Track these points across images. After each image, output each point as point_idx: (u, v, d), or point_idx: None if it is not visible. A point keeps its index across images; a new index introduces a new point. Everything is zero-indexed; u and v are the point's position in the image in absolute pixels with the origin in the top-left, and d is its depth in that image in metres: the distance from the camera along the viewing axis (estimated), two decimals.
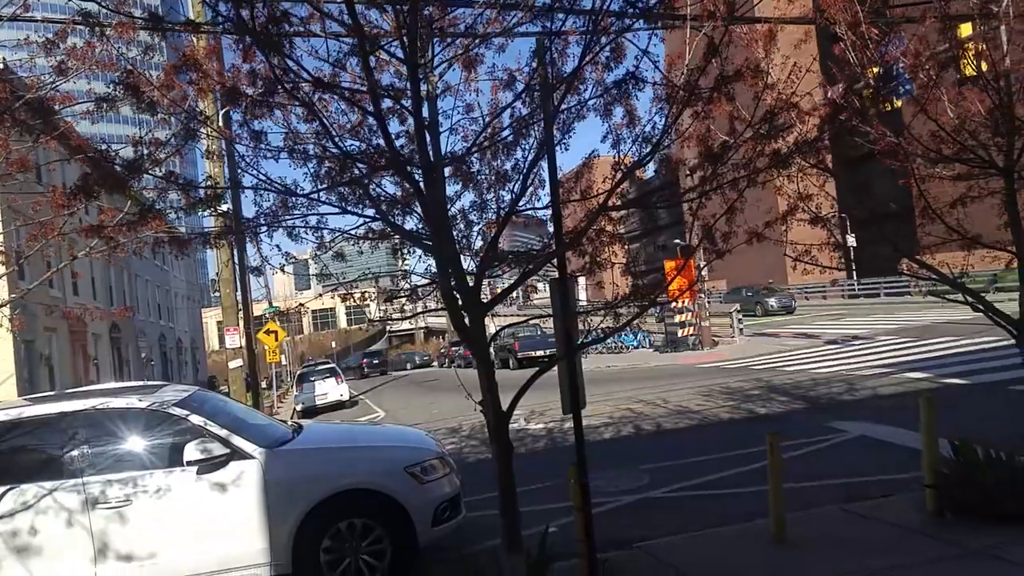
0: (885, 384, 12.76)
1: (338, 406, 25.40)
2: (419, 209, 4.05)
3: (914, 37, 5.63)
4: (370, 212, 4.48)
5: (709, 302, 37.97)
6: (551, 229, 4.87)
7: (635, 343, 29.34)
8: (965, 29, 5.96)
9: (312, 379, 26.60)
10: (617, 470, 8.60)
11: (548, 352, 28.61)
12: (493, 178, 4.73)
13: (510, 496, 4.44)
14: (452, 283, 4.26)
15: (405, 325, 69.31)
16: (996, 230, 5.83)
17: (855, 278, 42.00)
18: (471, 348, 4.36)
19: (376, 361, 52.12)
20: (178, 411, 5.65)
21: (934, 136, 5.91)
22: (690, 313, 24.97)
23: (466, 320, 4.20)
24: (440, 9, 4.10)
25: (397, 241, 4.62)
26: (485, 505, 6.64)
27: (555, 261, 4.86)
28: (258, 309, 28.49)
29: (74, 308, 21.34)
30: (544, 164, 4.50)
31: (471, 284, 4.39)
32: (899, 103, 6.41)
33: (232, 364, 17.81)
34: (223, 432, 5.60)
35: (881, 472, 7.25)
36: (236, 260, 17.09)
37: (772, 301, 37.30)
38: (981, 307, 5.71)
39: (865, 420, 9.79)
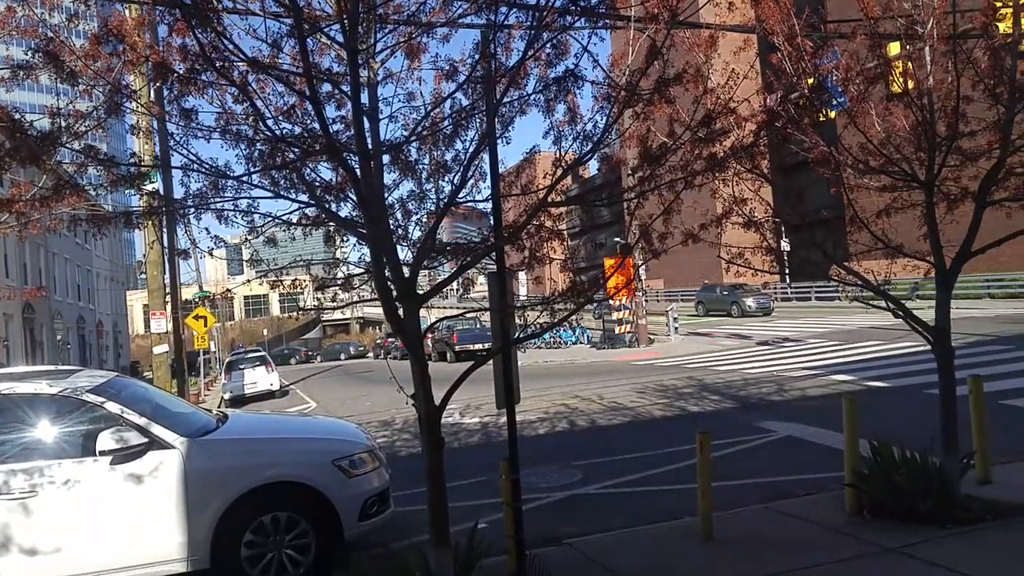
0: (813, 386, 13.20)
1: (268, 395, 24.83)
2: (354, 196, 3.95)
3: (845, 52, 5.81)
4: (304, 197, 4.35)
5: (659, 299, 37.47)
6: (492, 222, 4.84)
7: (573, 339, 29.61)
8: (893, 47, 6.19)
9: (242, 367, 25.90)
10: (550, 466, 8.65)
11: (487, 345, 28.63)
12: (433, 168, 4.66)
13: (439, 491, 4.39)
14: (386, 273, 4.17)
15: (339, 315, 68.30)
16: (917, 241, 6.06)
17: (787, 282, 43.07)
18: (404, 340, 4.28)
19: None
20: (92, 398, 5.40)
21: (862, 148, 6.11)
22: (627, 311, 25.34)
23: (400, 312, 4.12)
24: None
25: (331, 228, 4.50)
26: (415, 500, 6.59)
27: (494, 255, 4.83)
28: (188, 293, 27.61)
29: None
30: (485, 157, 4.46)
31: (407, 275, 4.32)
32: (832, 114, 6.60)
33: (157, 350, 17.20)
34: (141, 420, 5.37)
35: (806, 471, 7.48)
36: (165, 242, 16.49)
37: (750, 302, 34.67)
38: (901, 313, 5.93)
39: (793, 420, 10.10)
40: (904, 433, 6.10)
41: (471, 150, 4.45)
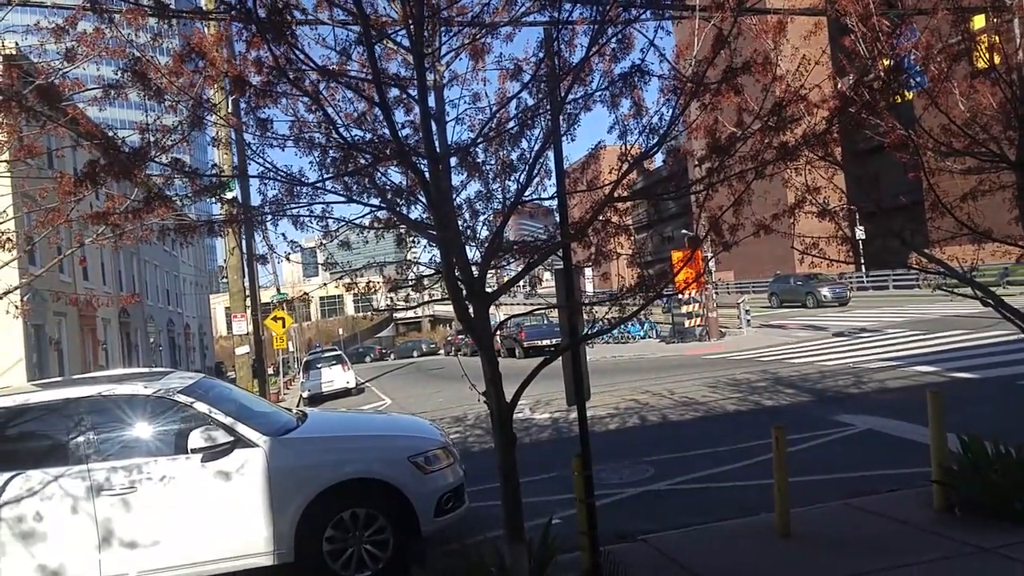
0: (893, 377, 12.74)
1: (344, 393, 25.43)
2: (424, 199, 4.02)
3: (926, 29, 5.56)
4: (375, 201, 4.47)
5: (730, 291, 36.30)
6: (557, 219, 4.86)
7: (641, 334, 29.28)
8: (978, 21, 5.89)
9: (319, 366, 26.62)
10: (621, 462, 8.61)
11: (554, 341, 28.63)
12: (499, 168, 4.71)
13: (513, 487, 4.43)
14: (456, 273, 4.25)
15: (411, 313, 69.51)
16: (1007, 224, 5.78)
17: (863, 271, 41.42)
18: (474, 338, 4.34)
19: None
20: (183, 398, 5.67)
21: (945, 130, 5.85)
22: (697, 304, 24.91)
23: (470, 310, 4.18)
24: None
25: (402, 230, 4.61)
26: (489, 495, 6.68)
27: (560, 251, 4.85)
28: (266, 296, 28.61)
29: (81, 294, 21.44)
30: (550, 154, 4.48)
31: (476, 274, 4.38)
32: (910, 95, 6.34)
33: (239, 350, 17.88)
34: (228, 420, 5.60)
35: (888, 466, 7.22)
36: (244, 247, 17.14)
37: (825, 291, 33.61)
38: (991, 302, 5.66)
39: (872, 414, 9.78)
40: (998, 427, 5.82)
41: (536, 149, 4.48)
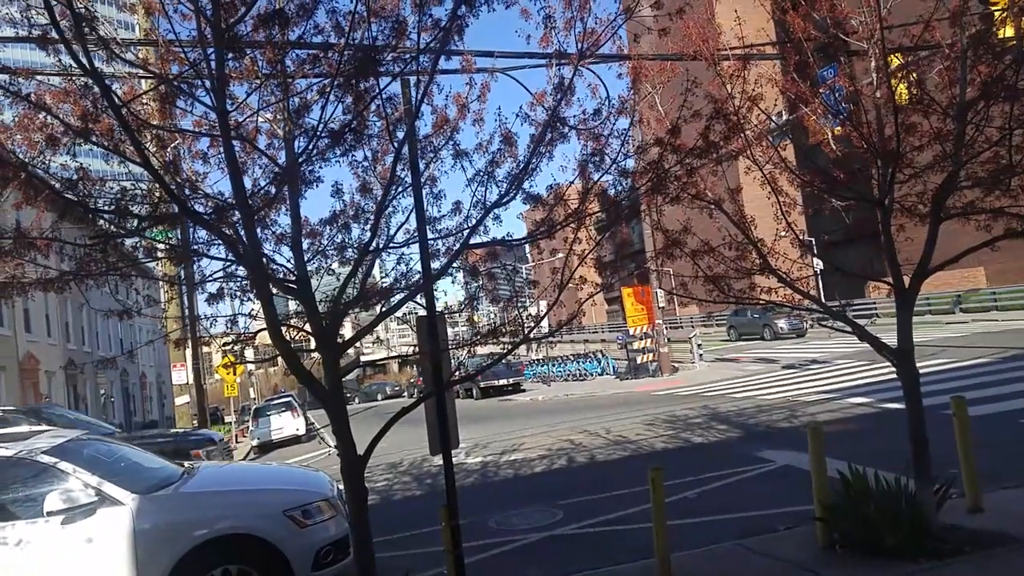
0: (826, 410, 12.81)
1: (294, 441, 24.83)
2: (233, 254, 3.97)
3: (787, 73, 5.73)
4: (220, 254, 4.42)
5: (693, 325, 36.15)
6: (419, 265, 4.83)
7: (599, 370, 29.21)
8: (894, 60, 6.09)
9: (268, 414, 25.85)
10: (534, 506, 8.52)
11: (511, 380, 28.54)
12: (351, 217, 4.70)
13: (365, 543, 4.36)
14: (302, 324, 4.21)
15: (380, 355, 68.89)
16: (876, 261, 5.91)
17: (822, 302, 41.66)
18: (312, 389, 4.29)
19: None
20: (46, 459, 5.50)
21: (816, 172, 6.01)
22: (649, 339, 24.96)
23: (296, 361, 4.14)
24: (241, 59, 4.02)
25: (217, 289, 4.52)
26: (397, 545, 6.60)
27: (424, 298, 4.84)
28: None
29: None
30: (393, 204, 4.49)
31: (325, 325, 4.34)
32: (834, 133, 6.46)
33: (179, 400, 17.61)
34: (94, 479, 5.44)
35: (796, 503, 7.17)
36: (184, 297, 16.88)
37: (782, 323, 34.29)
38: (866, 337, 5.78)
39: (794, 449, 9.74)
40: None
41: (381, 200, 4.49)
